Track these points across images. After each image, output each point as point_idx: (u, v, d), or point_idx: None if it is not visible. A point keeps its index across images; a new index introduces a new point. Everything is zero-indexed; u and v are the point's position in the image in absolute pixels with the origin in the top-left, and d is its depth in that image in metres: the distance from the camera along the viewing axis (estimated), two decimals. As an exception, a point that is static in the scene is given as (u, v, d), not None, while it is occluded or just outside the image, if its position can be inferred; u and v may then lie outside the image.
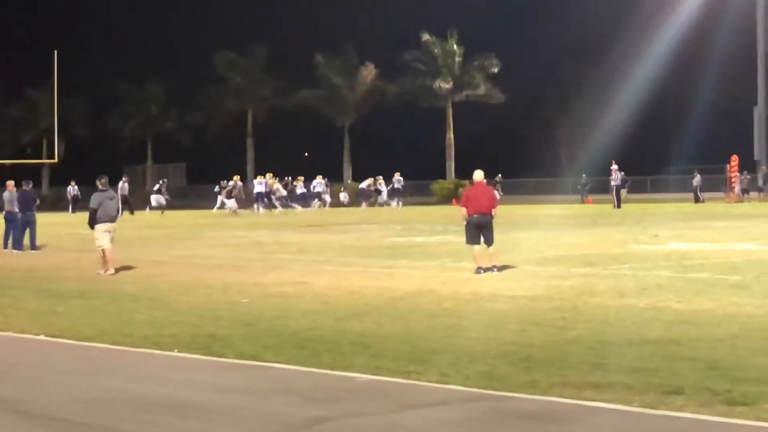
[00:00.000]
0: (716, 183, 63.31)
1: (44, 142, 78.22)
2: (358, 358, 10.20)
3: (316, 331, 12.12)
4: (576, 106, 77.91)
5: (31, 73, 73.13)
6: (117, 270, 20.13)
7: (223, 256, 24.31)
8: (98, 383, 9.47)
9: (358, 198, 61.80)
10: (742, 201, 55.57)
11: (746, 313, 12.77)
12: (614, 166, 52.78)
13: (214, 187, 59.00)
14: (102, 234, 20.29)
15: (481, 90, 74.97)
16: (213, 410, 8.24)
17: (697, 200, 55.59)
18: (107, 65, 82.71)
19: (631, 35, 62.80)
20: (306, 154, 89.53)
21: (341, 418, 7.91)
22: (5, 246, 27.40)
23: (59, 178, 70.96)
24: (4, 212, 27.83)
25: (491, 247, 18.59)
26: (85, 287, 17.72)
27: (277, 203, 54.13)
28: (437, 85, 74.30)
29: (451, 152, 75.20)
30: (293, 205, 56.17)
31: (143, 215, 52.08)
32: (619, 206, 49.55)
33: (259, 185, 54.96)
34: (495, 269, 18.25)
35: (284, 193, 55.66)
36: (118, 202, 22.73)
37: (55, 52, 53.28)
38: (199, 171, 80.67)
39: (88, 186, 37.12)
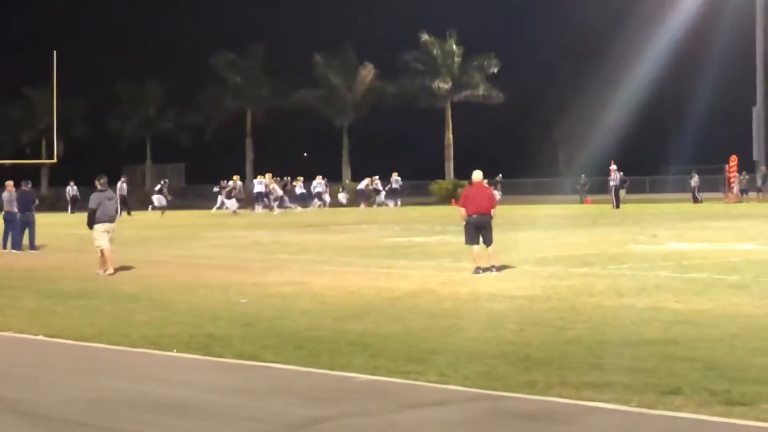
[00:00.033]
0: (715, 183, 63.33)
1: (43, 142, 78.21)
2: (357, 358, 10.21)
3: (315, 331, 12.12)
4: (575, 106, 77.99)
5: (30, 73, 73.10)
6: (116, 270, 20.14)
7: (222, 256, 24.31)
8: (97, 383, 9.48)
9: (356, 198, 61.80)
10: (740, 201, 55.59)
11: (745, 313, 12.78)
12: (613, 167, 52.79)
13: (213, 187, 59.03)
14: (101, 234, 20.30)
15: (480, 90, 74.95)
16: (212, 410, 8.25)
17: (695, 200, 55.62)
18: (106, 65, 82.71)
19: (630, 35, 62.83)
20: (305, 154, 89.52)
21: (340, 418, 7.91)
22: (4, 246, 27.41)
23: (58, 179, 70.94)
24: (3, 212, 27.83)
25: (490, 248, 18.60)
26: (84, 287, 17.72)
27: (274, 204, 54.08)
28: (436, 85, 74.30)
29: (450, 152, 75.19)
30: (289, 205, 56.11)
31: (143, 215, 52.07)
32: (617, 206, 49.55)
33: (259, 185, 55.03)
34: (494, 269, 18.27)
35: (280, 193, 55.59)
36: (116, 203, 22.78)
37: (54, 52, 53.32)
38: (198, 171, 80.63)
39: (87, 186, 37.16)
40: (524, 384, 8.89)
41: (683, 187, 62.50)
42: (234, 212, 51.88)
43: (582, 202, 59.25)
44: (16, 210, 27.46)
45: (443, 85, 74.27)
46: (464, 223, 18.74)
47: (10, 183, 28.27)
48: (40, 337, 12.32)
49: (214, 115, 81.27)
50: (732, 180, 58.17)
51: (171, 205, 56.27)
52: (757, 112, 61.17)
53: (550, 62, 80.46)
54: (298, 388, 9.04)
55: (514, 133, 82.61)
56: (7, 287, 17.94)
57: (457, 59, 75.03)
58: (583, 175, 62.62)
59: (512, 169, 69.36)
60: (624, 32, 63.54)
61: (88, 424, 7.93)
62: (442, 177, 72.88)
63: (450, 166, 74.87)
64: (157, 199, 56.06)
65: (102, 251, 20.26)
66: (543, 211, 44.48)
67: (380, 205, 60.81)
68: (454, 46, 74.94)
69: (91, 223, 20.51)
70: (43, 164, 77.64)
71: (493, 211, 18.76)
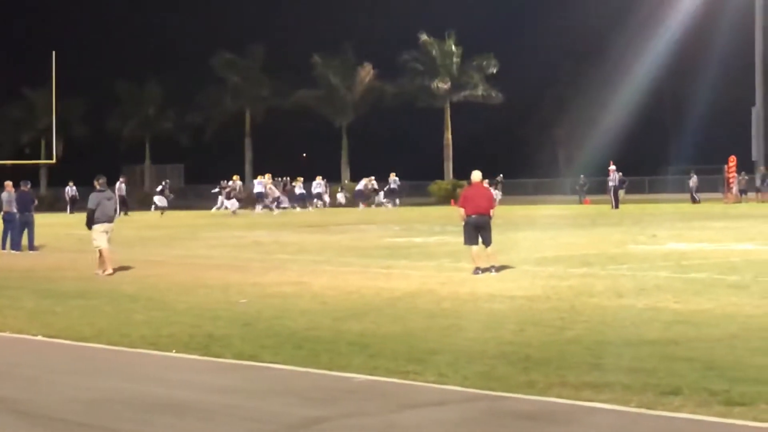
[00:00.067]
0: (714, 183, 63.32)
1: (43, 143, 78.16)
2: (357, 359, 10.21)
3: (315, 331, 12.12)
4: (574, 106, 77.96)
5: (29, 73, 73.11)
6: (115, 270, 20.13)
7: (221, 256, 24.31)
8: (97, 383, 9.48)
9: (355, 199, 61.79)
10: (740, 201, 55.61)
11: (745, 313, 12.78)
12: (612, 167, 52.81)
13: (213, 188, 59.00)
14: (99, 234, 20.30)
15: (479, 90, 74.93)
16: (211, 410, 8.25)
17: (693, 201, 55.61)
18: (106, 65, 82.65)
19: (630, 35, 62.82)
20: (304, 154, 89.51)
21: (339, 418, 7.91)
22: (3, 246, 27.39)
23: (58, 179, 70.88)
24: (2, 213, 27.80)
25: (489, 248, 18.60)
26: (83, 287, 17.72)
27: (272, 205, 54.05)
28: (435, 85, 74.29)
29: (449, 152, 75.16)
30: (285, 206, 56.05)
31: (143, 215, 52.06)
32: (617, 206, 49.57)
33: (259, 185, 55.05)
34: (493, 269, 18.27)
35: (276, 194, 55.53)
36: (115, 203, 22.78)
37: (54, 52, 53.30)
38: (197, 171, 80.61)
39: (86, 186, 37.16)
40: (523, 384, 8.89)
41: (682, 188, 62.50)
42: (234, 212, 51.88)
43: (581, 202, 59.25)
44: (15, 210, 27.45)
45: (442, 85, 74.26)
46: (463, 223, 18.74)
47: (9, 183, 28.25)
48: (40, 338, 12.32)
49: (213, 115, 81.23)
50: (731, 180, 58.18)
51: (170, 205, 56.25)
52: (756, 112, 61.19)
53: (549, 62, 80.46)
54: (297, 388, 9.04)
55: (513, 134, 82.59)
56: (6, 287, 17.94)
57: (456, 59, 75.01)
58: (582, 176, 62.61)
59: (511, 170, 69.31)
60: (623, 32, 63.55)
61: (87, 424, 7.93)
62: (441, 177, 72.88)
63: (449, 167, 74.84)
64: (159, 200, 56.06)
65: (100, 251, 20.26)
66: (542, 212, 44.48)
67: (378, 205, 60.80)
68: (453, 47, 74.92)
69: (89, 223, 20.51)
70: (43, 164, 77.60)
71: (492, 212, 18.77)
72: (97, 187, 20.72)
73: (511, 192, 67.32)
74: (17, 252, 26.81)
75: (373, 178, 62.61)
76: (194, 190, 77.67)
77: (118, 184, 52.11)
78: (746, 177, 58.06)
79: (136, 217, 50.18)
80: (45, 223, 35.37)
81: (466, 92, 75.14)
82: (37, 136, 79.57)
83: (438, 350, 10.57)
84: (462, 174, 56.59)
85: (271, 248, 26.50)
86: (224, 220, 45.64)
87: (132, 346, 11.47)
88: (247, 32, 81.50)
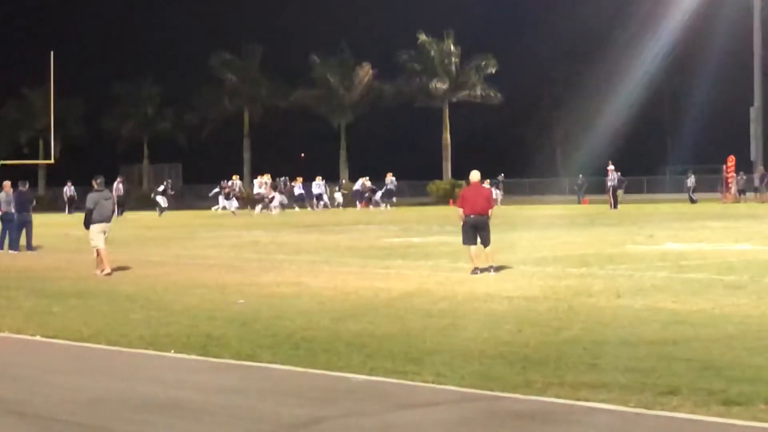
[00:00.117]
0: (713, 183, 63.35)
1: (41, 143, 78.12)
2: (354, 359, 10.20)
3: (312, 331, 12.11)
4: (573, 106, 78.01)
5: (27, 73, 73.11)
6: (113, 270, 20.12)
7: (219, 256, 24.30)
8: (94, 383, 9.47)
9: (353, 199, 61.77)
10: (738, 201, 55.63)
11: (742, 313, 12.78)
12: (611, 167, 52.85)
13: (211, 188, 58.95)
14: (97, 234, 20.30)
15: (478, 90, 74.94)
16: (209, 410, 8.24)
17: (691, 201, 55.62)
18: (104, 66, 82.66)
19: (628, 36, 62.91)
20: (303, 154, 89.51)
21: (337, 418, 7.91)
22: (1, 247, 27.38)
23: (56, 179, 70.89)
24: (0, 213, 27.80)
25: (488, 248, 18.60)
26: (81, 287, 17.71)
27: (270, 205, 53.99)
28: (434, 85, 74.29)
29: (447, 153, 75.15)
30: (277, 206, 55.93)
31: (144, 215, 52.03)
32: (615, 206, 49.59)
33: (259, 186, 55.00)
34: (491, 269, 18.26)
35: (272, 193, 55.42)
36: (113, 203, 22.78)
37: (52, 52, 53.26)
38: (195, 171, 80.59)
39: (84, 186, 37.15)
40: (521, 384, 8.88)
41: (681, 188, 62.54)
42: (233, 213, 51.86)
43: (579, 202, 59.28)
44: (13, 210, 27.44)
45: (441, 85, 74.26)
46: (462, 223, 18.75)
47: (7, 183, 28.23)
48: (37, 338, 12.31)
49: (211, 116, 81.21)
50: (729, 180, 58.20)
51: (169, 206, 56.19)
52: (754, 112, 61.23)
53: (547, 63, 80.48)
54: (295, 388, 9.03)
55: (511, 134, 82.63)
56: (4, 287, 17.92)
57: (455, 59, 75.02)
58: (580, 176, 62.64)
59: (510, 170, 69.38)
60: (622, 32, 63.62)
61: (84, 424, 7.93)
62: (440, 177, 72.90)
63: (447, 167, 74.84)
64: (162, 200, 55.97)
65: (98, 251, 20.26)
66: (541, 212, 44.52)
67: (375, 205, 60.80)
68: (452, 47, 74.93)
69: (87, 223, 20.50)
70: (41, 164, 77.56)
71: (490, 212, 18.77)
72: (95, 187, 20.72)
73: (510, 192, 67.40)
74: (15, 252, 26.81)
75: (367, 178, 62.52)
76: (192, 190, 77.68)
77: (116, 184, 52.05)
78: (745, 177, 58.07)
79: (135, 217, 50.12)
80: (43, 223, 35.35)
81: (465, 92, 75.15)
82: (35, 136, 79.56)
83: (436, 350, 10.57)
84: (460, 174, 56.61)
85: (268, 248, 26.50)
86: (222, 221, 45.61)
87: (130, 346, 11.47)
88: (246, 32, 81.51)
